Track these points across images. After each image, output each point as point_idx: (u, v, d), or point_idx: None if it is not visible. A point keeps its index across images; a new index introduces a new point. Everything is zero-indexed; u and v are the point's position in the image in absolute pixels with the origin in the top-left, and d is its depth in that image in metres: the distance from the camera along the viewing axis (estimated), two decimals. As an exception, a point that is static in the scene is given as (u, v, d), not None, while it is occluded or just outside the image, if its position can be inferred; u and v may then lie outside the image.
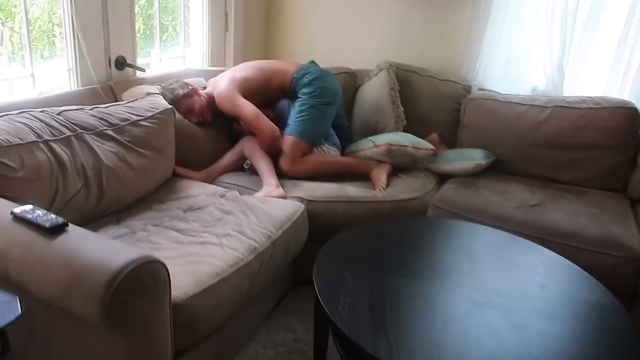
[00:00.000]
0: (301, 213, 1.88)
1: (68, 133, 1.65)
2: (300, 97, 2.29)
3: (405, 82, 2.69)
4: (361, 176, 2.28)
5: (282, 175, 2.19)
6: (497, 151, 2.46)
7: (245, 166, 2.25)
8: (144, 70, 2.33)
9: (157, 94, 2.16)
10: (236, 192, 1.96)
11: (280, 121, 2.34)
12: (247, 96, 2.25)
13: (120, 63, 2.26)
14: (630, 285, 1.83)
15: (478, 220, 1.99)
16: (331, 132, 2.44)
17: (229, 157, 2.28)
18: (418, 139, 2.36)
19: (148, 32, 3.98)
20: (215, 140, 2.33)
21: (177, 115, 2.17)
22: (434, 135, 2.65)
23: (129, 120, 1.85)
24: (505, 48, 2.68)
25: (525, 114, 2.42)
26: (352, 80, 2.80)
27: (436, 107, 2.69)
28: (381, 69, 2.71)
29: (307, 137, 2.22)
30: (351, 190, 2.11)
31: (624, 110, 2.25)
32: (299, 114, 2.25)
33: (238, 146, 2.30)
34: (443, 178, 2.42)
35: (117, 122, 1.82)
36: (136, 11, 3.46)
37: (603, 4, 2.42)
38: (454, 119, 2.66)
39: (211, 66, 2.92)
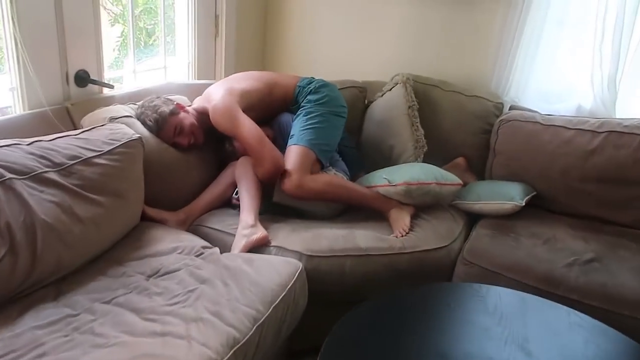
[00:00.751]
0: (298, 275, 1.47)
1: (-9, 180, 1.25)
2: (305, 106, 1.90)
3: (424, 98, 2.28)
4: (375, 213, 1.87)
5: (271, 211, 1.81)
6: (537, 184, 2.04)
7: (234, 196, 1.85)
8: (112, 87, 1.94)
9: (126, 117, 1.76)
10: (217, 250, 1.56)
11: (280, 139, 1.94)
12: (247, 111, 1.85)
13: (82, 79, 1.86)
14: None
15: (522, 283, 1.58)
16: (337, 157, 2.03)
17: (213, 191, 1.88)
18: (442, 171, 1.95)
19: (136, 38, 3.54)
20: (200, 170, 1.92)
21: (154, 142, 1.77)
22: (460, 160, 2.24)
23: (79, 157, 1.45)
24: (544, 56, 2.26)
25: (573, 140, 1.99)
26: (362, 96, 2.39)
27: (462, 128, 2.27)
28: (396, 83, 2.29)
29: (317, 148, 1.82)
30: (362, 237, 1.70)
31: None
32: (305, 122, 1.86)
33: (225, 173, 1.90)
34: (472, 216, 2.00)
35: (63, 160, 1.42)
36: (118, 12, 3.06)
37: (669, 6, 2.00)
38: (483, 142, 2.24)
39: (198, 79, 2.51)
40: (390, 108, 2.26)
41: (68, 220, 1.36)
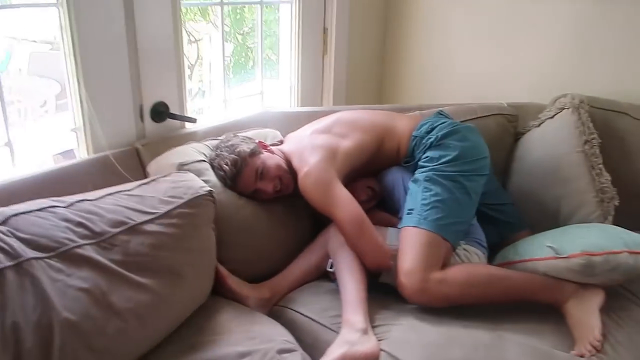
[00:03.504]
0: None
1: (5, 263, 0.94)
2: (425, 166, 1.37)
3: (605, 130, 1.62)
4: (539, 305, 1.27)
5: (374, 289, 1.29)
6: None
7: (329, 269, 1.39)
8: (194, 121, 1.61)
9: (199, 162, 1.40)
10: (298, 356, 1.10)
11: (390, 201, 1.46)
12: (348, 175, 1.42)
13: (160, 112, 1.56)
14: None
15: None
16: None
17: (308, 259, 1.44)
18: (632, 234, 1.32)
19: (243, 59, 3.31)
20: (289, 229, 1.49)
21: (227, 196, 1.39)
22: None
23: (125, 224, 1.10)
24: None
25: None
26: (511, 126, 1.78)
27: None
28: (562, 108, 1.66)
29: (449, 231, 1.29)
30: (516, 351, 1.12)
31: None
32: (428, 192, 1.32)
33: (319, 240, 1.45)
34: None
35: (105, 229, 1.08)
36: (227, 29, 2.83)
37: None
38: None
39: (301, 105, 2.12)
40: (554, 143, 1.63)
41: (100, 315, 1.00)
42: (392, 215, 1.48)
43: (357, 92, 2.26)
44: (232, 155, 1.39)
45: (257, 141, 1.48)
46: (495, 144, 1.66)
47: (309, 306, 1.32)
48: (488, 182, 1.48)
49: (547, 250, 1.29)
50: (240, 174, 1.38)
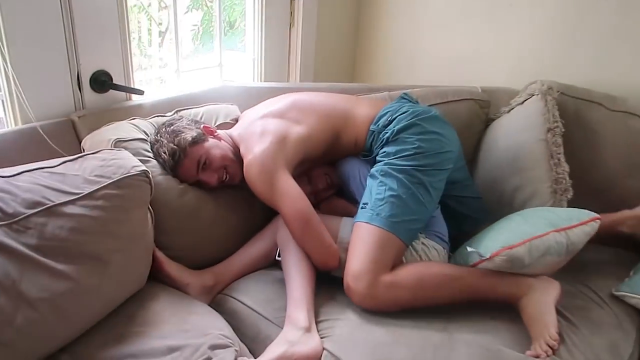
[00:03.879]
0: None
1: None
2: (380, 161, 1.29)
3: (577, 119, 1.55)
4: (495, 303, 1.20)
5: (332, 283, 1.22)
6: None
7: (277, 257, 1.31)
8: (141, 93, 1.49)
9: (138, 140, 1.29)
10: (231, 353, 1.02)
11: (345, 193, 1.39)
12: (301, 164, 1.34)
13: (102, 82, 1.43)
14: None
15: None
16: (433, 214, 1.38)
17: (253, 248, 1.35)
18: (558, 210, 1.30)
19: (211, 28, 3.16)
20: (238, 216, 1.39)
21: (169, 178, 1.29)
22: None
23: (42, 204, 0.99)
24: None
25: None
26: (482, 112, 1.70)
27: (638, 170, 1.50)
28: (532, 94, 1.58)
29: (403, 229, 1.20)
30: (466, 352, 1.06)
31: None
32: (381, 186, 1.24)
33: (270, 227, 1.36)
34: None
35: (18, 209, 0.97)
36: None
37: None
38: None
39: (265, 80, 2.00)
40: (519, 130, 1.56)
41: (8, 305, 0.90)
42: (351, 204, 1.40)
43: (327, 69, 2.15)
44: (171, 145, 1.28)
45: (202, 126, 1.36)
46: (465, 130, 1.59)
47: (253, 296, 1.24)
48: (457, 171, 1.40)
49: (474, 256, 1.22)
50: (179, 165, 1.28)
